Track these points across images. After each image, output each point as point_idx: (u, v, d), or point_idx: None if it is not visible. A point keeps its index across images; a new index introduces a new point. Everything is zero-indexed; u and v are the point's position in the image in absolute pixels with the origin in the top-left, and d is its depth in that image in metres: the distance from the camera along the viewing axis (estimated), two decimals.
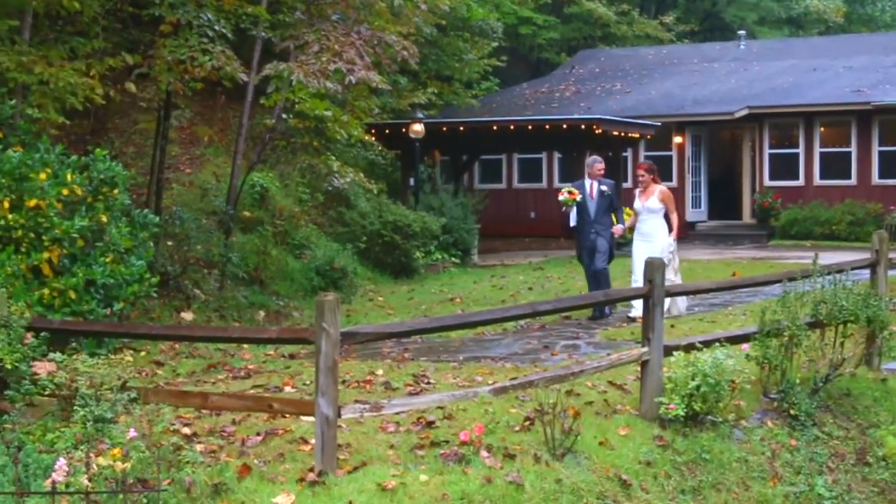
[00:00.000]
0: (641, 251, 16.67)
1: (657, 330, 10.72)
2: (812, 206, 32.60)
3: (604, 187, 17.69)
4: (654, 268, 10.76)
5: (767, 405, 11.75)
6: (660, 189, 17.22)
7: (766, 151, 34.36)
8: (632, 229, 17.51)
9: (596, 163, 18.11)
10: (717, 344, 10.92)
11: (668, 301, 16.49)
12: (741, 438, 11.01)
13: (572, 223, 17.98)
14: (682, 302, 17.30)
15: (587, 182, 17.84)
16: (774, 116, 34.30)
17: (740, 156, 36.51)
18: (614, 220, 17.76)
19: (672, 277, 16.25)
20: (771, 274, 14.50)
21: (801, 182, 33.76)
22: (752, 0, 51.44)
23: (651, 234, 17.01)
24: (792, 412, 11.59)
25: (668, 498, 9.73)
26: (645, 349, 10.71)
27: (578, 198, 17.52)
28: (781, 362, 11.64)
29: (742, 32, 44.73)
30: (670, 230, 17.13)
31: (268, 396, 10.43)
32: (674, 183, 34.72)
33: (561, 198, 17.72)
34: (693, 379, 10.38)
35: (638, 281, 16.39)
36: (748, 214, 35.37)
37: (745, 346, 11.74)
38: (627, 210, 18.57)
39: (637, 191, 17.50)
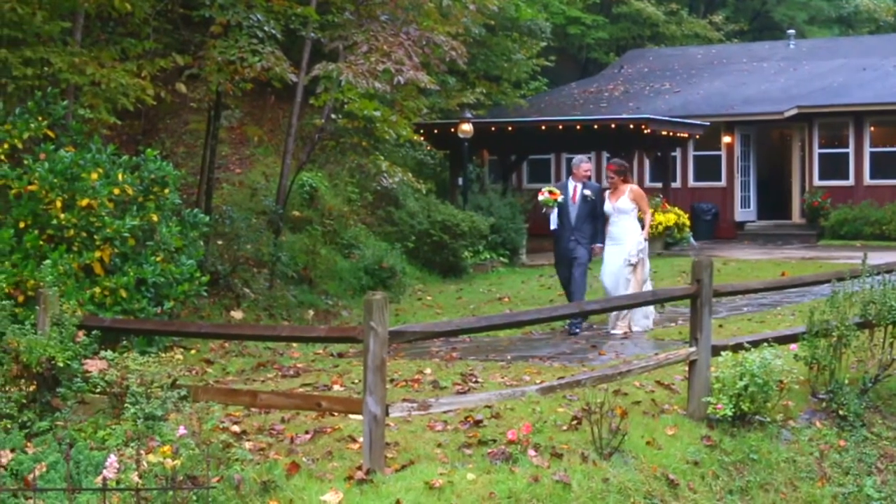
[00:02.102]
0: (612, 255, 15.96)
1: (705, 330, 10.71)
2: (862, 206, 32.31)
3: (588, 192, 16.15)
4: (703, 267, 10.75)
5: (816, 405, 11.70)
6: (631, 188, 16.18)
7: (816, 151, 34.10)
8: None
9: (582, 163, 16.42)
10: (766, 344, 10.88)
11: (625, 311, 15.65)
12: (789, 439, 10.98)
13: (553, 226, 16.60)
14: (639, 314, 15.93)
15: (571, 184, 16.33)
16: (824, 116, 34.05)
17: (790, 155, 36.28)
18: (595, 230, 16.21)
19: (643, 281, 15.87)
20: (820, 274, 14.41)
21: (850, 182, 33.49)
22: None
23: (621, 238, 15.91)
24: (840, 412, 11.54)
25: (715, 498, 9.72)
26: (693, 349, 10.71)
27: (560, 198, 16.16)
28: (830, 362, 11.59)
29: (791, 31, 44.39)
30: (643, 229, 16.11)
31: (316, 395, 10.48)
32: (723, 182, 34.66)
33: (541, 198, 16.26)
34: (741, 379, 10.36)
35: (607, 288, 15.96)
36: (797, 214, 35.15)
37: (794, 347, 11.68)
38: None
39: (607, 192, 16.34)
